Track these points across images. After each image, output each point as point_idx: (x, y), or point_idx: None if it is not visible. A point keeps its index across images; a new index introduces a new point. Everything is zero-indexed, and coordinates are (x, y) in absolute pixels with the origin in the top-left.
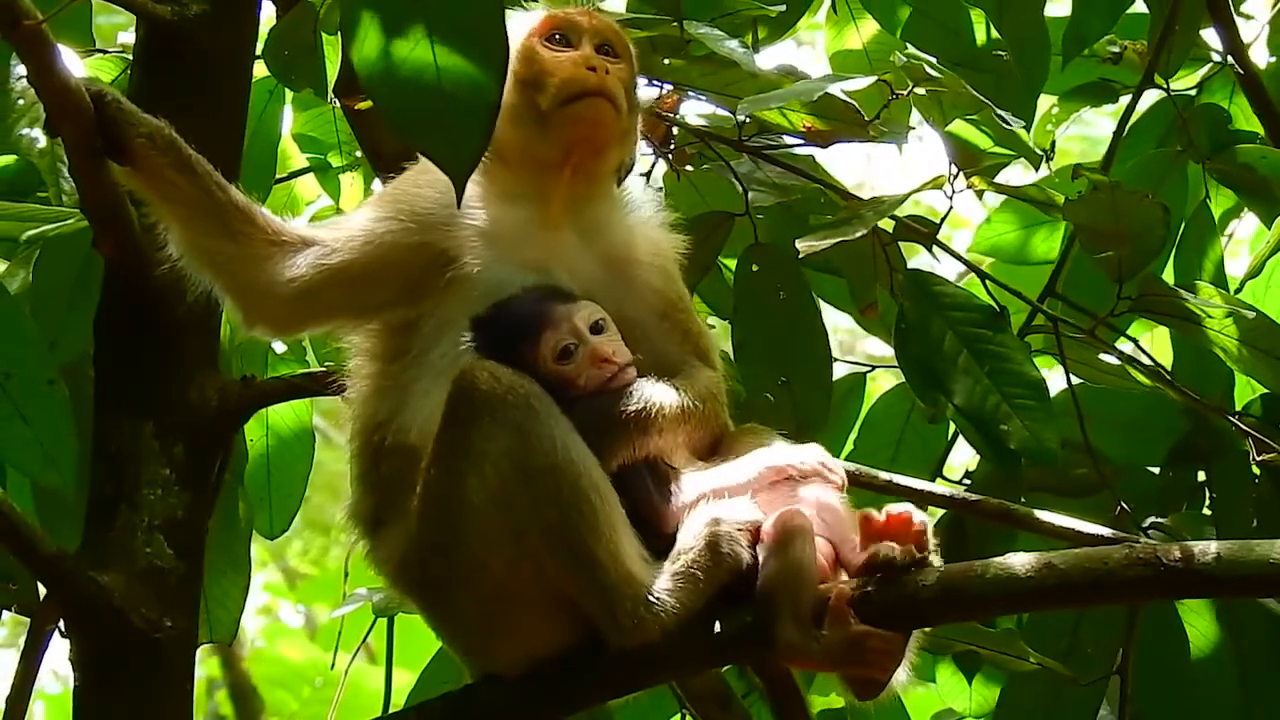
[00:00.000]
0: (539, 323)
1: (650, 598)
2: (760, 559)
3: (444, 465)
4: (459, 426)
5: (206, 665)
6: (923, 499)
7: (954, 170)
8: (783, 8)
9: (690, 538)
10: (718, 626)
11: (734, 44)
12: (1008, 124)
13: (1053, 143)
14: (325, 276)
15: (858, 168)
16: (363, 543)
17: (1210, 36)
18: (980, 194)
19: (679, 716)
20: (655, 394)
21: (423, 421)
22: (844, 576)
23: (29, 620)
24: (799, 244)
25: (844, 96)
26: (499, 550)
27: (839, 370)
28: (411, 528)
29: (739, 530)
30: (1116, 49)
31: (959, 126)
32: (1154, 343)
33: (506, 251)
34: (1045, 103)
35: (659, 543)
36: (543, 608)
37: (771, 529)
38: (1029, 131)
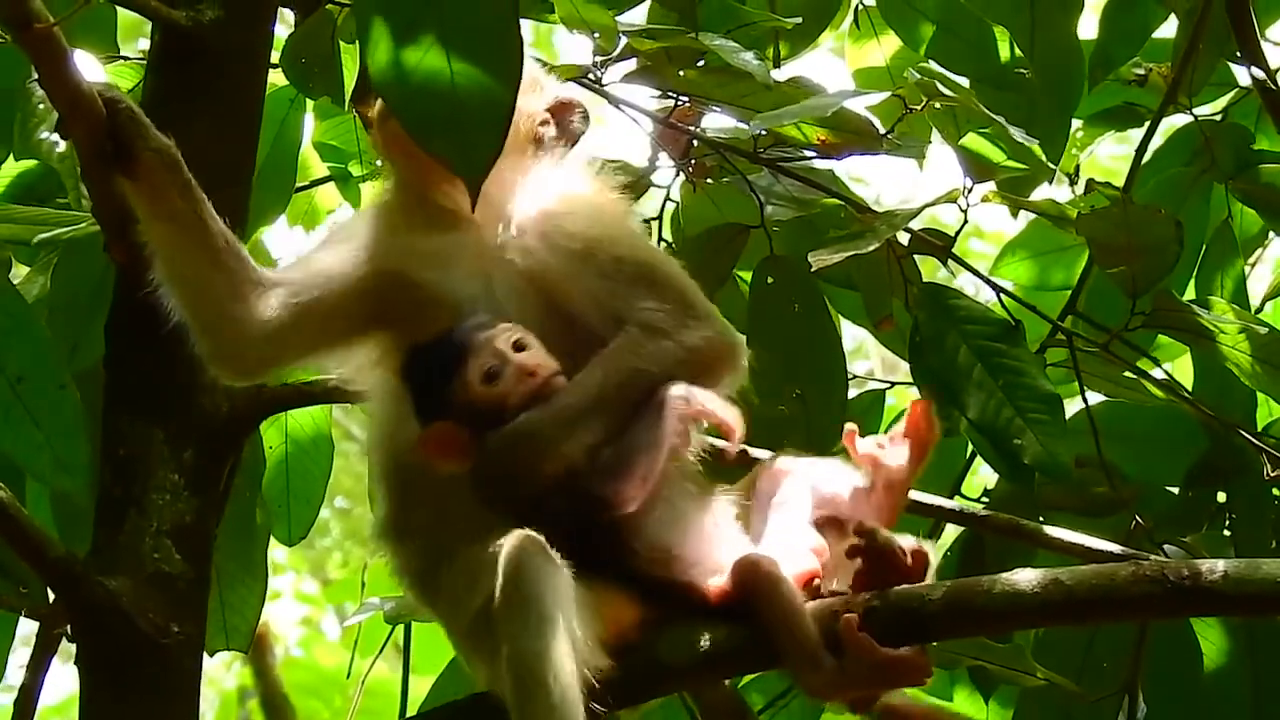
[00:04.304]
0: (461, 354)
1: None
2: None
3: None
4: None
5: (240, 674)
6: (933, 513)
7: (968, 184)
8: (799, 20)
9: None
10: (705, 643)
11: (749, 56)
12: (1020, 140)
13: (1077, 166)
14: (297, 314)
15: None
16: (385, 551)
17: (1239, 70)
18: (1010, 209)
19: None
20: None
21: None
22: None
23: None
24: (812, 257)
25: (858, 111)
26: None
27: (859, 387)
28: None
29: None
30: (1142, 72)
31: (974, 141)
32: (1177, 367)
33: (444, 265)
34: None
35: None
36: None
37: (736, 581)
38: (1060, 155)
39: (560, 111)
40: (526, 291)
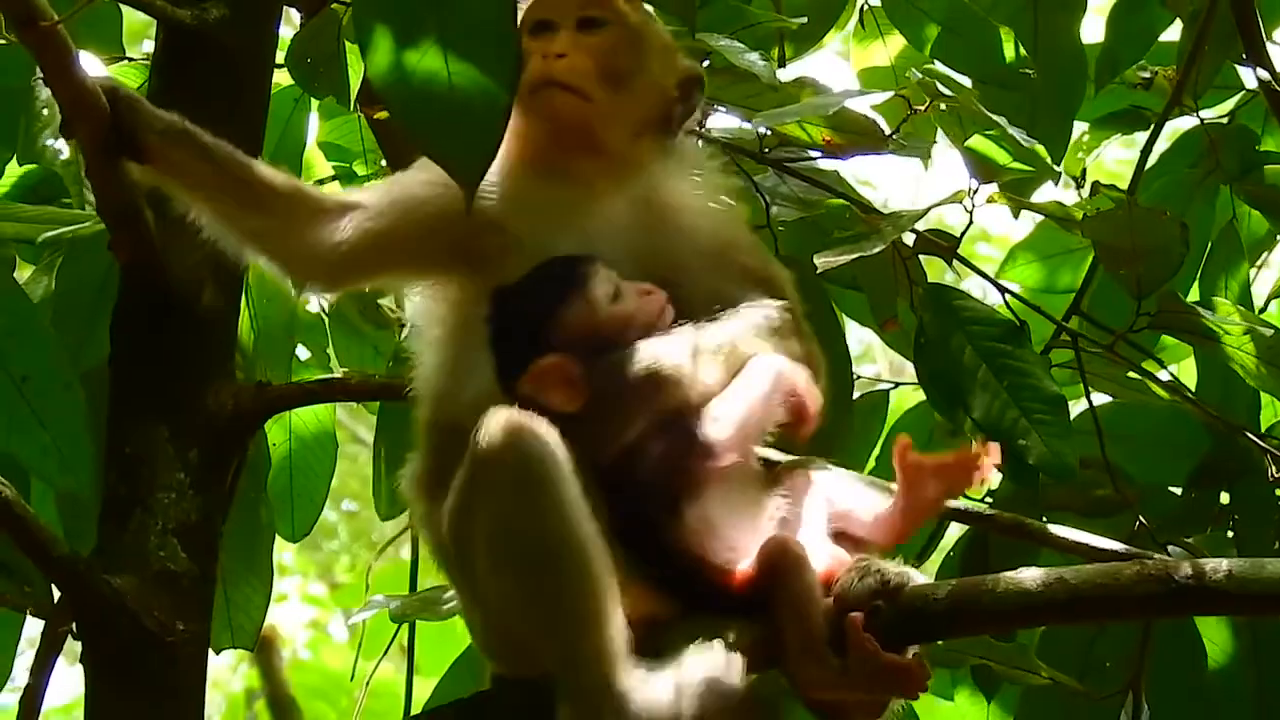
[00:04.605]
0: (579, 277)
1: (612, 693)
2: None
3: (458, 494)
4: (468, 471)
5: (247, 676)
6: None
7: (974, 185)
8: (804, 20)
9: (689, 674)
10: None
11: (754, 57)
12: (1023, 142)
13: (1083, 170)
14: (370, 240)
15: (895, 186)
16: (418, 507)
17: (1244, 72)
18: (1014, 211)
19: None
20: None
21: (470, 399)
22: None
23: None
24: (817, 259)
25: (861, 111)
26: (490, 595)
27: (861, 387)
28: (445, 519)
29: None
30: (1147, 75)
31: (979, 142)
32: (1182, 369)
33: (546, 220)
34: (1076, 129)
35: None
36: (535, 650)
37: (765, 563)
38: (1062, 157)
39: (688, 86)
40: (632, 271)
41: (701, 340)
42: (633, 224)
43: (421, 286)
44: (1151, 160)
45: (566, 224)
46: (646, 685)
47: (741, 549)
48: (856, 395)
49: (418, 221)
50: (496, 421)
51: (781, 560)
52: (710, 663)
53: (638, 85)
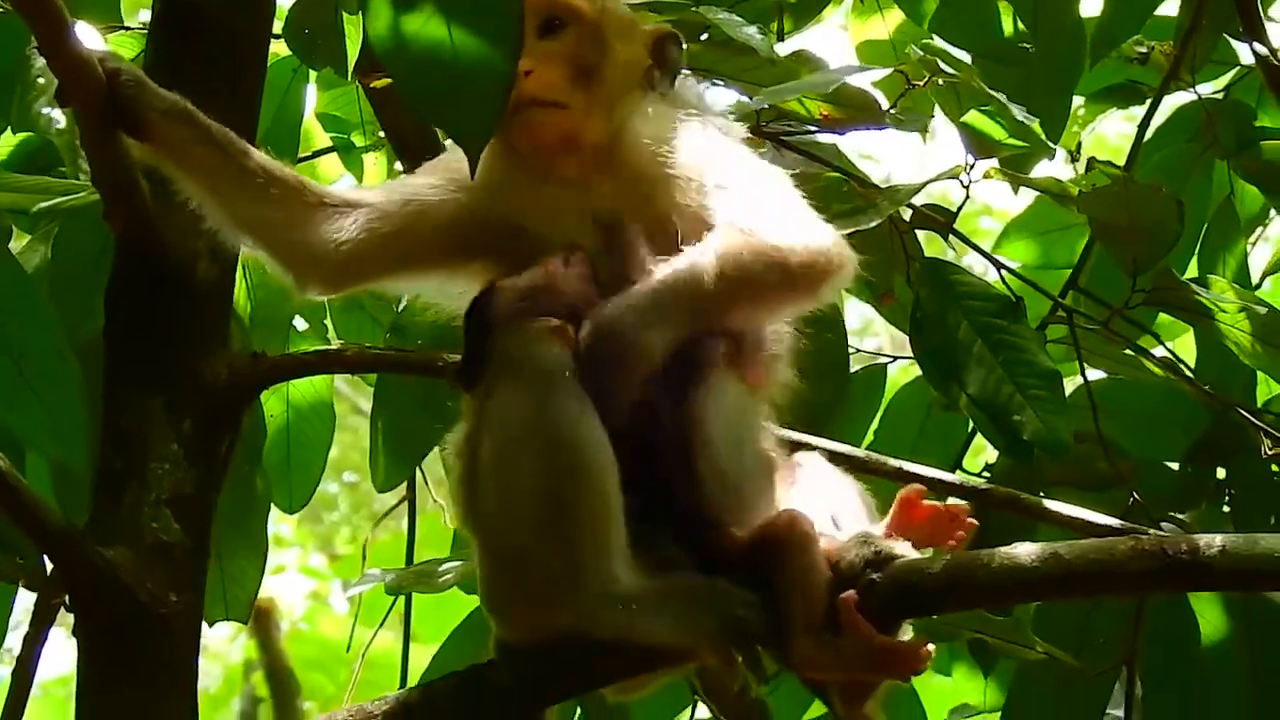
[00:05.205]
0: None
1: (617, 598)
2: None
3: (476, 417)
4: (490, 383)
5: (245, 647)
6: (932, 485)
7: (970, 160)
8: None
9: (684, 591)
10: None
11: (752, 31)
12: (1020, 119)
13: (1079, 144)
14: (377, 241)
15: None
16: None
17: (1241, 47)
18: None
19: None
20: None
21: None
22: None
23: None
24: None
25: (861, 86)
26: (499, 513)
27: (860, 360)
28: (457, 474)
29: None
30: (1143, 49)
31: (976, 118)
32: (1179, 344)
33: (548, 213)
34: (1073, 103)
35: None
36: (543, 584)
37: (774, 534)
38: (1061, 132)
39: (659, 48)
40: (637, 246)
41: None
42: (634, 199)
43: (423, 289)
44: (1148, 135)
45: (567, 214)
46: (649, 585)
47: (748, 515)
48: (855, 369)
49: (428, 225)
50: (515, 329)
51: (789, 533)
52: (710, 581)
53: (608, 74)
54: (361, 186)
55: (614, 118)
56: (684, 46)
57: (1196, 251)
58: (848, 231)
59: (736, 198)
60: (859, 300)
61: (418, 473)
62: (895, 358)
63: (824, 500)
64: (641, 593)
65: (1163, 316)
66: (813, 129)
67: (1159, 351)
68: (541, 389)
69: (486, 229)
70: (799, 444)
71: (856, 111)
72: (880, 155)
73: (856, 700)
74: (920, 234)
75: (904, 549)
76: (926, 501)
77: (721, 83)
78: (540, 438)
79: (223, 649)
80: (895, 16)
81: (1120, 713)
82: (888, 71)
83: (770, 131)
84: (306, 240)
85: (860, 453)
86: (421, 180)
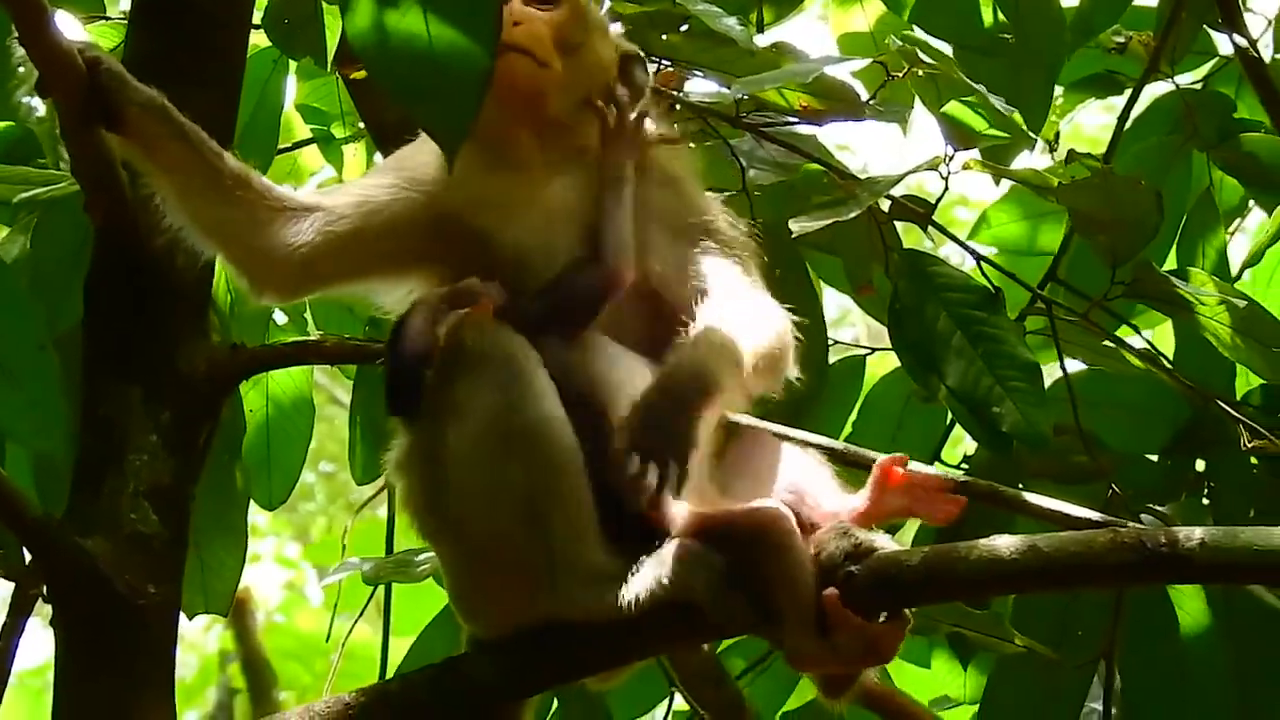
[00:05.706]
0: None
1: (594, 579)
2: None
3: (431, 417)
4: (445, 379)
5: (221, 638)
6: None
7: (950, 151)
8: None
9: (671, 552)
10: None
11: (731, 21)
12: (1000, 109)
13: (1057, 134)
14: (332, 243)
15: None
16: (398, 484)
17: (1220, 38)
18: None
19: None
20: None
21: None
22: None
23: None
24: (792, 224)
25: (840, 77)
26: (472, 507)
27: (839, 352)
28: (411, 481)
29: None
30: (1122, 39)
31: (956, 108)
32: (1158, 336)
33: (504, 210)
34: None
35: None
36: (521, 574)
37: (753, 527)
38: (1042, 123)
39: (625, 66)
40: (589, 250)
41: None
42: (586, 205)
43: (383, 293)
44: (1126, 125)
45: (524, 211)
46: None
47: (734, 497)
48: (833, 360)
49: (381, 223)
50: (474, 322)
51: (771, 531)
52: (692, 548)
53: (586, 58)
54: (327, 189)
55: (583, 114)
56: (648, 72)
57: (1176, 243)
58: (827, 223)
59: (717, 264)
60: (836, 291)
61: None
62: (873, 349)
63: (784, 470)
64: (618, 569)
65: (1140, 307)
66: (792, 120)
67: (1137, 343)
68: (507, 378)
69: (438, 227)
70: (777, 435)
71: (836, 102)
72: (856, 146)
73: (839, 690)
74: (898, 225)
75: (883, 541)
76: (905, 469)
77: (701, 73)
78: (513, 427)
79: (198, 639)
80: (875, 8)
81: (1099, 705)
82: (867, 62)
83: (749, 123)
84: (264, 244)
85: (839, 444)
86: (374, 180)
